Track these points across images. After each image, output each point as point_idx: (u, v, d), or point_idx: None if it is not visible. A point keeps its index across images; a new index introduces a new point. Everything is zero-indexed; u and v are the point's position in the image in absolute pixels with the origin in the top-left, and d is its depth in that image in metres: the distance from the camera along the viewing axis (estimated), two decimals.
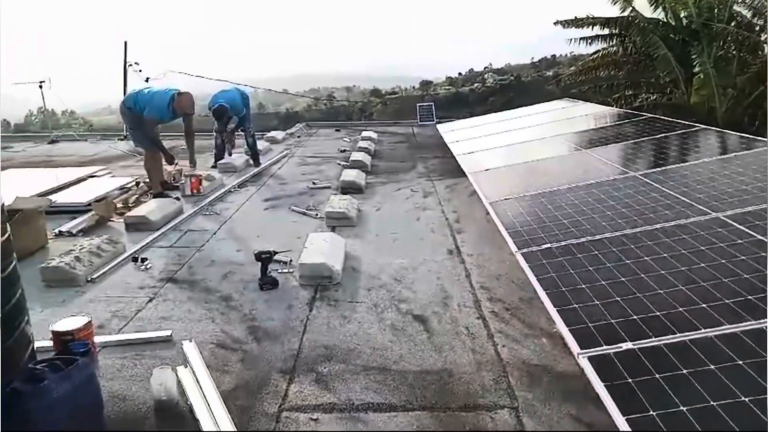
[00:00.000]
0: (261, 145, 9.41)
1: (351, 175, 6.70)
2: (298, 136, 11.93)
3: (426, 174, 7.58)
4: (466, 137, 8.85)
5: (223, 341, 3.09)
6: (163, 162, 6.56)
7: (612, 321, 2.53)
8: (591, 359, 2.28)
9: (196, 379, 2.64)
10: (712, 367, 2.09)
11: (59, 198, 5.97)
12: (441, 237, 4.82)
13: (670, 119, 7.23)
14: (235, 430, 2.28)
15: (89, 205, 5.65)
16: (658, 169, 4.82)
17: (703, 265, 2.87)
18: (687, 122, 6.59)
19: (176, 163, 6.66)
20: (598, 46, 14.42)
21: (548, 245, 3.57)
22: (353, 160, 7.92)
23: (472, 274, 3.95)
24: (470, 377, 2.68)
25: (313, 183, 7.01)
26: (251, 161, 8.38)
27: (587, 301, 2.77)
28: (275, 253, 3.92)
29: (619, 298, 2.72)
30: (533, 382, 2.63)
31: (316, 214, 5.51)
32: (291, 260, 4.10)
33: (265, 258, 3.77)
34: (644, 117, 7.66)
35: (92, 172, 7.56)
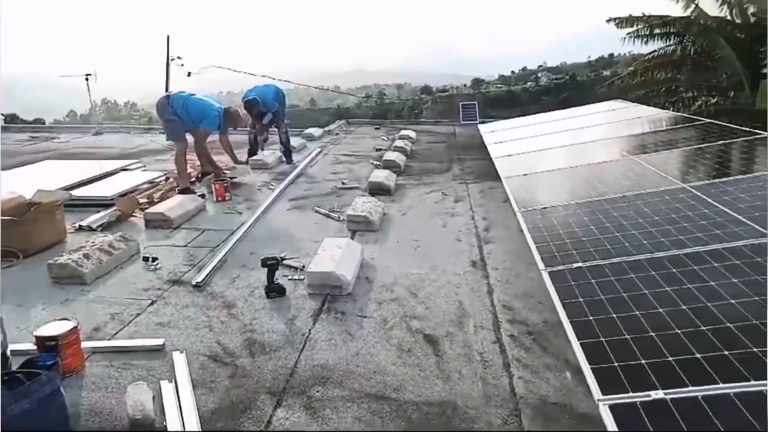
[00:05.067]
0: (296, 142, 9.28)
1: (380, 176, 6.43)
2: (336, 134, 11.75)
3: (461, 177, 7.23)
4: (507, 138, 8.42)
5: (216, 353, 2.90)
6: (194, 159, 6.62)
7: (642, 362, 2.16)
8: (612, 408, 1.94)
9: (178, 397, 2.45)
10: None
11: (87, 191, 5.96)
12: (467, 246, 4.50)
13: (731, 125, 6.61)
14: None
15: (113, 199, 5.61)
16: (713, 180, 4.33)
17: (756, 298, 2.46)
18: (751, 129, 5.98)
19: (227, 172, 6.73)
20: (655, 45, 13.51)
21: (579, 264, 3.20)
22: (386, 160, 7.65)
23: (495, 291, 3.62)
24: (476, 413, 2.39)
25: (342, 183, 6.79)
26: (284, 158, 8.25)
27: (617, 333, 2.41)
28: (283, 259, 3.71)
29: (653, 334, 2.34)
30: (549, 424, 2.31)
31: (339, 217, 5.28)
32: (303, 266, 3.89)
33: (271, 264, 3.55)
34: (702, 122, 7.04)
35: (125, 165, 7.57)
